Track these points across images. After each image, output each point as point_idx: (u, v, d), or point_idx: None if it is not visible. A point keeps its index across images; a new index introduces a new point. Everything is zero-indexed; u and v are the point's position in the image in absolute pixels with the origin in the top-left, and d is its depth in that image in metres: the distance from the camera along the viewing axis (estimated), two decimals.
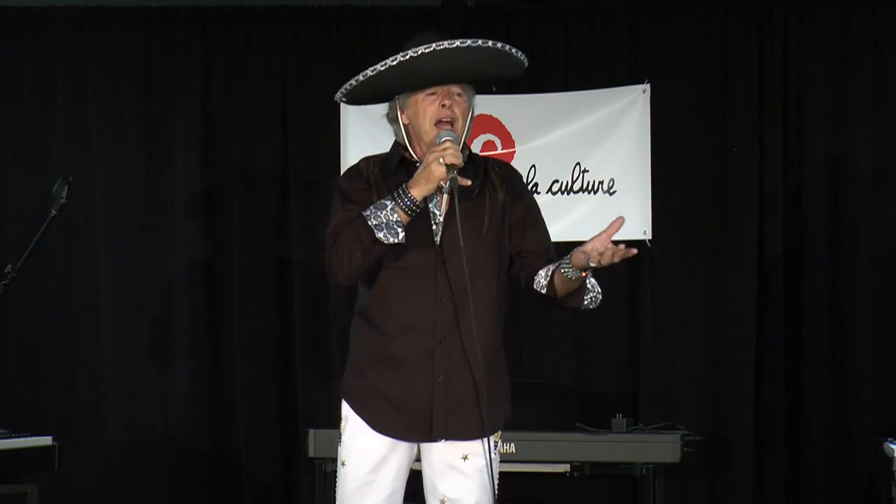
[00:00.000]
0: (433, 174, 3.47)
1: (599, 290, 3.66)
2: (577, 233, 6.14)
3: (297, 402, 6.52)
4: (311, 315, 6.51)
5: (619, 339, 6.48)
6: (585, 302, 3.62)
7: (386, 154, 3.75)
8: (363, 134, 6.37)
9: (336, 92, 3.66)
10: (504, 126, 6.47)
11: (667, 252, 6.39)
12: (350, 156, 6.37)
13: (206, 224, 6.63)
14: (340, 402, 3.72)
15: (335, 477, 3.75)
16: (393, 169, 3.67)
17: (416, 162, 3.63)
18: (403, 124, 3.65)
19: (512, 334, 6.43)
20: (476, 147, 6.41)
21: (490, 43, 3.50)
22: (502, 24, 6.56)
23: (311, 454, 5.79)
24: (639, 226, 6.32)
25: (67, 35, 6.67)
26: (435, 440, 3.62)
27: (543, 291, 3.62)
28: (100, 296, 6.60)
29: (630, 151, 6.35)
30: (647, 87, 6.35)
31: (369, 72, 3.52)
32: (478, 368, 3.55)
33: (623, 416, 5.80)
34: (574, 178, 6.42)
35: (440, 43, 3.45)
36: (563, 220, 6.30)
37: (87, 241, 6.62)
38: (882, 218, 6.24)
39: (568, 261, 3.53)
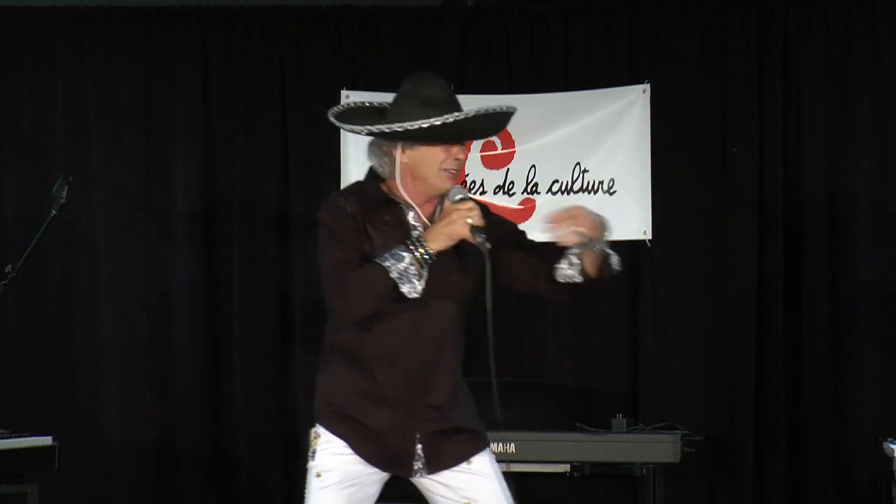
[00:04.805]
0: (456, 232, 3.42)
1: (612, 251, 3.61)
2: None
3: (297, 402, 6.52)
4: (311, 315, 6.50)
5: (619, 339, 6.48)
6: (614, 266, 3.57)
7: (359, 186, 3.63)
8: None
9: (334, 99, 3.62)
10: None
11: (667, 252, 6.39)
12: (350, 155, 6.37)
13: (206, 224, 6.63)
14: (312, 426, 3.62)
15: None
16: (378, 206, 3.55)
17: (401, 204, 3.55)
18: (402, 162, 3.53)
19: (512, 334, 6.47)
20: (476, 147, 6.41)
21: (504, 107, 3.61)
22: (502, 24, 6.56)
23: None
24: (639, 226, 6.32)
25: (67, 35, 6.67)
26: (412, 477, 3.60)
27: (580, 280, 3.58)
28: (100, 296, 6.59)
29: (630, 151, 6.35)
30: (647, 87, 6.35)
31: (396, 128, 3.45)
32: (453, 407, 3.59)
33: (623, 416, 5.80)
34: (574, 178, 6.42)
35: (468, 112, 3.47)
36: None
37: (87, 241, 6.62)
38: (882, 219, 6.24)
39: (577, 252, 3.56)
